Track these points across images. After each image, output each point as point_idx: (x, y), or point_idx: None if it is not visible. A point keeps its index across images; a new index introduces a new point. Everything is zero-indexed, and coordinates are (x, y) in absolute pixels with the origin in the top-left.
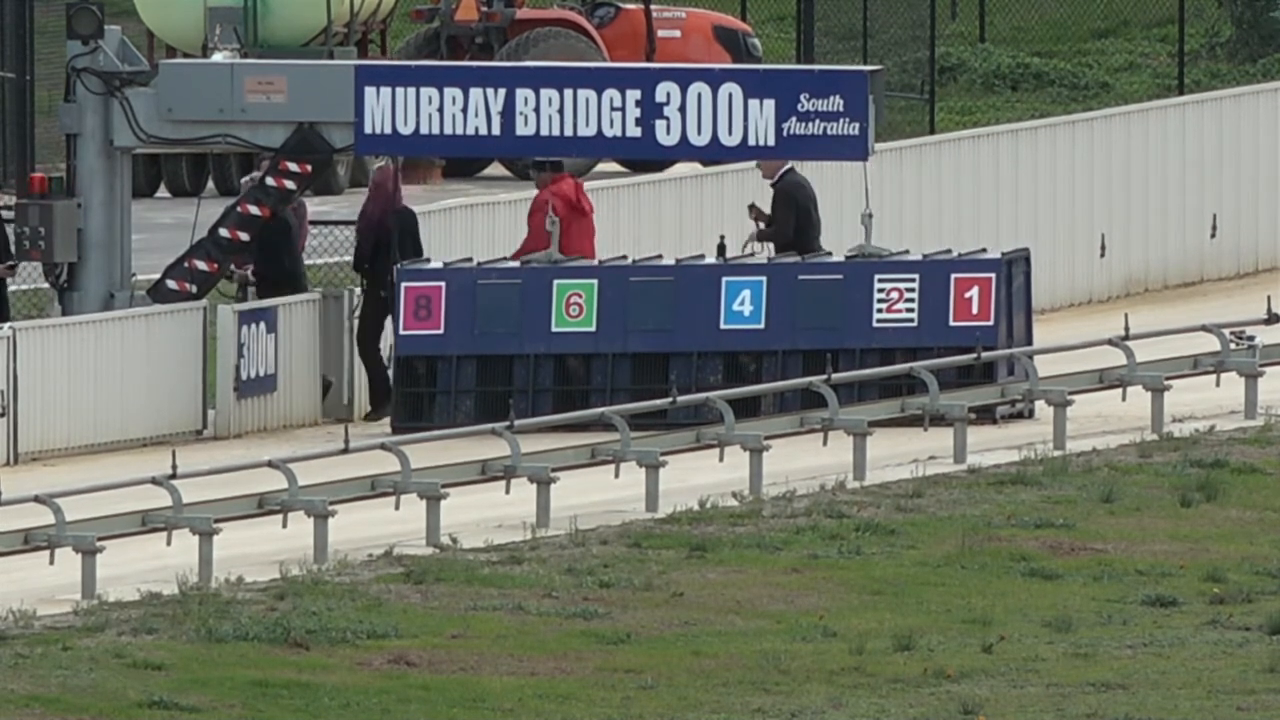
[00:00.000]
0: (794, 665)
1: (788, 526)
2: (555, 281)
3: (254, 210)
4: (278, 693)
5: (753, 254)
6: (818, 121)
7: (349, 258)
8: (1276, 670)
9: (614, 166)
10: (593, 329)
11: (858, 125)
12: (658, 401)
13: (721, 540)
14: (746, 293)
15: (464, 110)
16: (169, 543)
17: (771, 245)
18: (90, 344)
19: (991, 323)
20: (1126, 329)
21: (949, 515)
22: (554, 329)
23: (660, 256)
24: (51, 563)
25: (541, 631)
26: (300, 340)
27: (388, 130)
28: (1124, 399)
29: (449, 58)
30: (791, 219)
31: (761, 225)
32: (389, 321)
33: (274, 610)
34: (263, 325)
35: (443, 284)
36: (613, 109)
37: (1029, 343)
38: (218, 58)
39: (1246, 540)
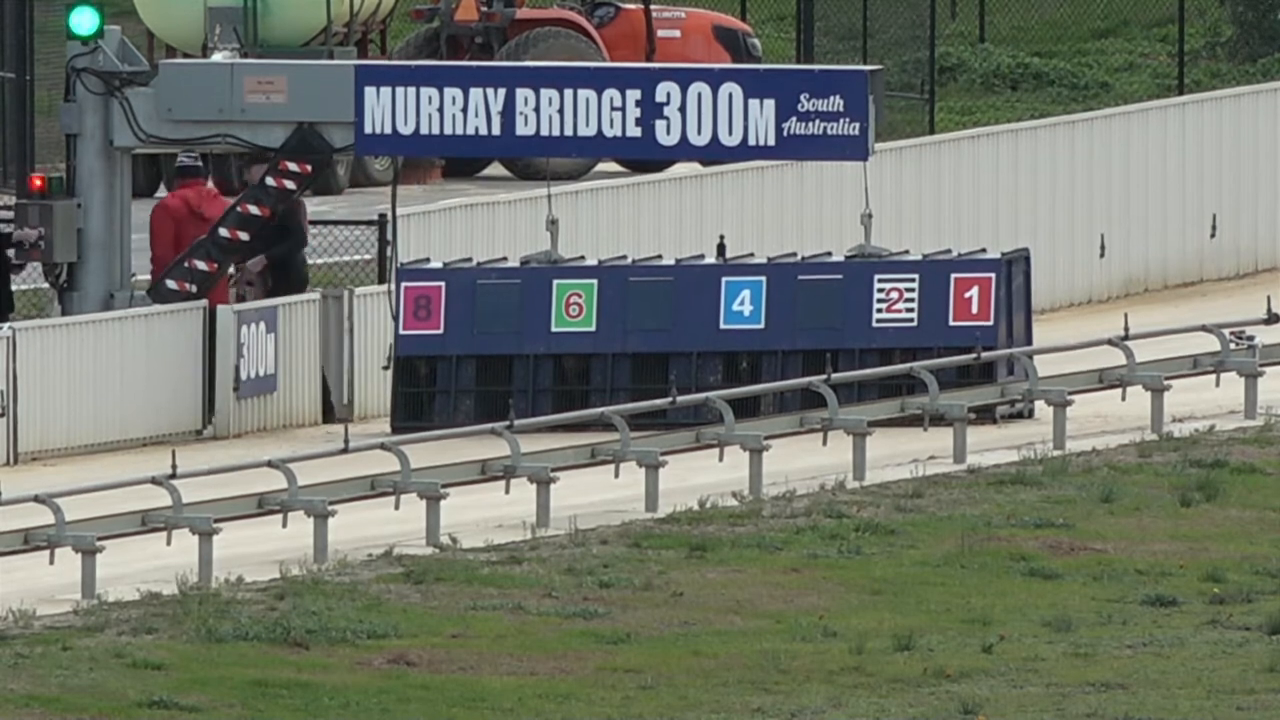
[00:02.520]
0: (794, 665)
1: (787, 526)
2: (555, 281)
3: (254, 210)
4: (278, 692)
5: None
6: (818, 121)
7: (349, 257)
8: (1276, 670)
9: (614, 166)
10: (592, 329)
11: (858, 125)
12: (657, 401)
13: (721, 540)
14: (746, 293)
15: (464, 110)
16: (169, 543)
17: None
18: (90, 344)
19: (991, 323)
20: (1126, 329)
21: (949, 515)
22: (554, 329)
23: (660, 256)
24: (51, 563)
25: (541, 631)
26: (300, 340)
27: (387, 130)
28: (1124, 399)
29: (449, 58)
30: (301, 220)
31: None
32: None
33: (274, 610)
34: (262, 325)
35: (442, 284)
36: (613, 109)
37: (1029, 343)
38: (217, 58)
39: (1246, 540)
